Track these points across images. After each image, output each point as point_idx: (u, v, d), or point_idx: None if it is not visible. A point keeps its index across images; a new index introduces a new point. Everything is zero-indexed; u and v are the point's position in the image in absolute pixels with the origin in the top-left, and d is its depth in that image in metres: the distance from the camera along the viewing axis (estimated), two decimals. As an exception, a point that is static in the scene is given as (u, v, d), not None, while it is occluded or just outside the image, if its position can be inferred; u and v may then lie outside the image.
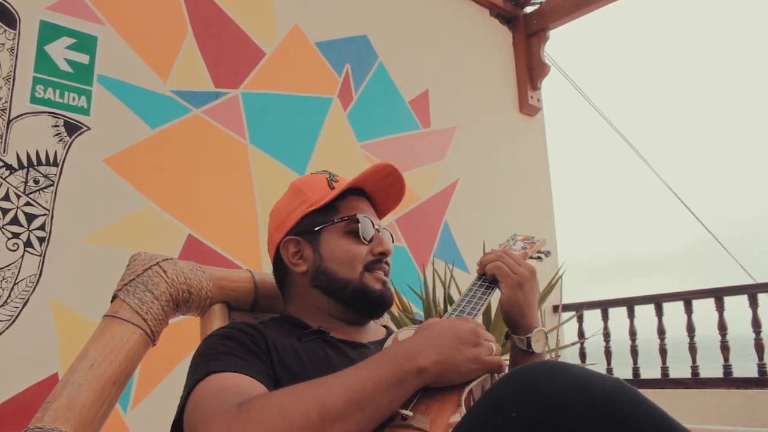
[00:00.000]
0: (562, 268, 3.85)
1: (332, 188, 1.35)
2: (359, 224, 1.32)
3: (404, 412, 0.96)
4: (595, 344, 4.93)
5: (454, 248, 4.26)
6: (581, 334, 4.98)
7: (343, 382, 0.95)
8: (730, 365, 4.32)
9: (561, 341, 4.17)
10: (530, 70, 5.06)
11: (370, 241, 1.33)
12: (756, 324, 4.26)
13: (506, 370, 1.05)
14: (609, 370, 4.91)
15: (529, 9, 5.08)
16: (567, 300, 5.03)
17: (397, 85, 4.19)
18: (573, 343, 4.60)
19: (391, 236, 1.44)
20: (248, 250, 3.23)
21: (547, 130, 5.38)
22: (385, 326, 1.53)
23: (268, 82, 3.46)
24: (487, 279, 1.34)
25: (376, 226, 1.36)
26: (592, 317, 4.99)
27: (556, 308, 4.91)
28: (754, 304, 4.27)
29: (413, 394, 0.99)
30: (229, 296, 1.42)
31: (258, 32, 3.47)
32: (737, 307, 4.38)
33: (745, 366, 4.30)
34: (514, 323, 1.29)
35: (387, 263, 1.36)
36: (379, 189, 1.40)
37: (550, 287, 3.55)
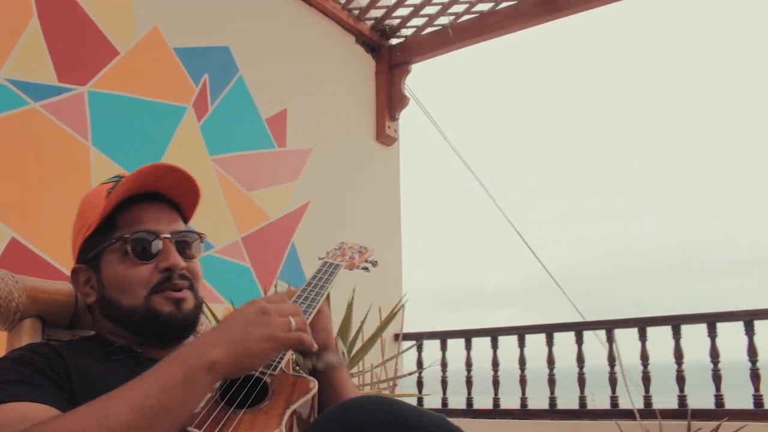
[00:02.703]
0: (405, 296, 3.90)
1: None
2: (130, 245, 1.19)
3: None
4: (433, 373, 5.03)
5: (299, 271, 4.21)
6: (420, 364, 5.07)
7: (126, 392, 0.90)
8: (555, 397, 4.60)
9: (399, 370, 4.21)
10: (390, 100, 5.14)
11: (153, 258, 1.20)
12: (580, 359, 4.57)
13: (311, 346, 1.03)
14: (444, 399, 5.03)
15: (394, 41, 5.18)
16: (408, 329, 5.11)
17: (256, 102, 4.11)
18: (411, 373, 4.67)
19: (199, 237, 1.32)
20: (80, 259, 3.02)
21: (402, 160, 5.48)
22: None
23: (119, 83, 3.28)
24: (330, 267, 1.31)
25: (165, 236, 1.22)
26: (432, 347, 5.11)
27: (396, 337, 4.98)
28: (579, 340, 4.57)
29: (232, 418, 0.96)
30: (43, 310, 1.29)
31: (113, 29, 3.29)
32: (565, 342, 4.66)
33: (569, 398, 4.56)
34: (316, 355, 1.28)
35: (184, 276, 1.22)
36: (170, 186, 1.26)
37: (392, 315, 3.59)
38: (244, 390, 1.04)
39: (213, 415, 0.97)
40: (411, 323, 5.13)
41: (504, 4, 4.70)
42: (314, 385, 1.10)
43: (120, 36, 3.32)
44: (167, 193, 1.27)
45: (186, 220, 1.32)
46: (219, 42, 3.90)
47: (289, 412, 0.98)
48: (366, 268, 1.53)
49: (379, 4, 4.79)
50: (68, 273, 2.87)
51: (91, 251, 1.22)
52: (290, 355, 1.17)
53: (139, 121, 3.36)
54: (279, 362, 1.11)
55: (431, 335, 5.15)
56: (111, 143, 3.19)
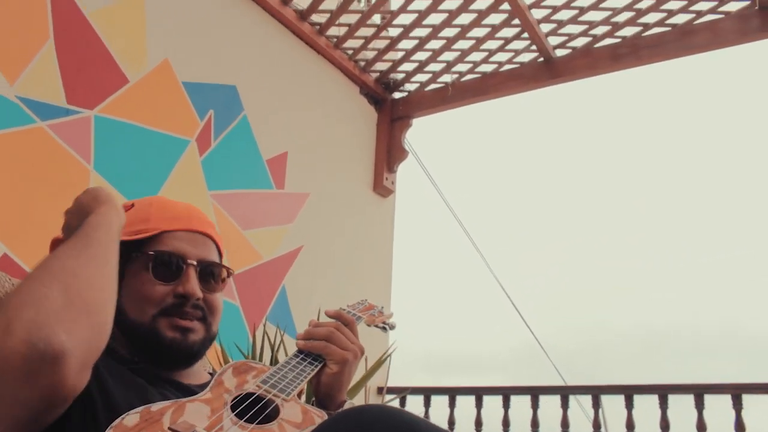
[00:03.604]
0: (392, 347, 3.87)
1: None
2: (153, 262, 1.21)
3: None
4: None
5: (288, 314, 4.17)
6: (401, 419, 4.98)
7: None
8: (537, 461, 4.52)
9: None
10: (389, 152, 5.19)
11: (173, 281, 1.21)
12: (564, 423, 4.52)
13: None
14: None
15: (397, 95, 5.26)
16: (392, 383, 5.04)
17: (258, 142, 4.14)
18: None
19: (227, 271, 1.32)
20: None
21: (397, 213, 5.50)
22: (210, 373, 1.44)
23: (126, 111, 3.30)
24: (311, 353, 1.26)
25: (190, 262, 1.23)
26: (415, 404, 5.05)
27: (380, 390, 4.90)
28: (565, 404, 4.54)
29: (240, 430, 0.96)
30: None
31: (125, 58, 3.32)
32: (551, 408, 4.62)
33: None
34: (330, 399, 1.24)
35: (198, 307, 1.22)
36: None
37: (379, 363, 3.55)
38: (255, 408, 1.04)
39: (222, 423, 0.96)
40: (394, 382, 5.08)
41: (507, 67, 4.80)
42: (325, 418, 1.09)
43: (132, 65, 3.36)
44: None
45: (220, 255, 1.34)
46: (227, 81, 3.95)
47: None
48: (384, 328, 1.57)
49: (384, 58, 4.89)
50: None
51: (120, 255, 1.22)
52: (302, 386, 1.17)
53: (142, 150, 3.37)
54: (293, 389, 1.12)
55: (415, 390, 5.09)
56: (112, 169, 3.19)
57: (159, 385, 1.15)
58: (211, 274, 1.27)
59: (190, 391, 1.17)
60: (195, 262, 1.23)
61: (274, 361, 3.21)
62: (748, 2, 3.96)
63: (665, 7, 4.09)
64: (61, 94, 3.01)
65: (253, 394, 1.07)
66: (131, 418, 0.91)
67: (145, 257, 1.21)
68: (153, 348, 1.18)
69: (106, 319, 0.98)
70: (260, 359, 3.25)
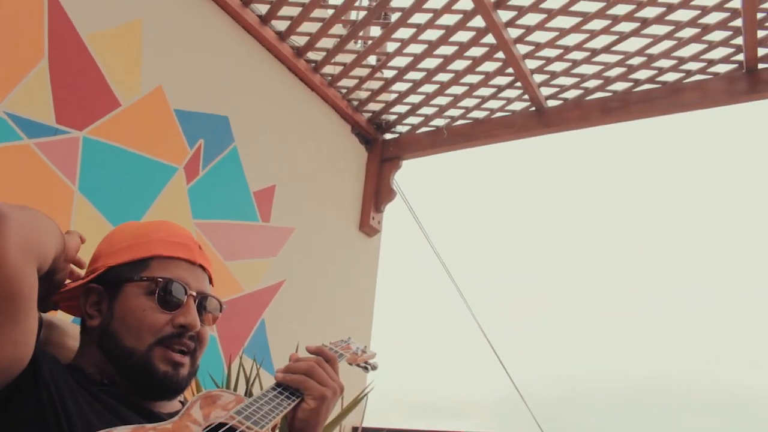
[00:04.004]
0: (369, 386, 3.82)
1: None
2: (159, 288, 1.20)
3: None
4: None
5: (266, 348, 4.13)
6: (375, 462, 4.90)
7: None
8: None
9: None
10: (377, 192, 5.20)
11: (174, 310, 1.21)
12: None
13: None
14: (394, 504, 4.83)
15: (388, 136, 5.29)
16: (368, 423, 4.97)
17: (246, 174, 4.14)
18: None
19: (220, 306, 1.33)
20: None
21: (382, 254, 5.48)
22: (181, 401, 1.42)
23: (116, 134, 3.30)
24: (288, 387, 1.25)
25: (191, 293, 1.24)
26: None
27: (355, 429, 4.83)
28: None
29: None
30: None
31: (119, 82, 3.34)
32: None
33: None
34: None
35: (193, 338, 1.23)
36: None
37: (355, 403, 3.50)
38: None
39: None
40: (370, 423, 5.00)
41: (498, 114, 4.86)
42: None
43: (125, 89, 3.37)
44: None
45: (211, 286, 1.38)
46: (219, 111, 3.96)
47: None
48: (366, 368, 1.59)
49: (378, 99, 4.93)
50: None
51: (115, 278, 1.21)
52: (277, 420, 1.15)
53: (128, 174, 3.36)
54: (267, 423, 1.10)
55: (391, 433, 5.00)
56: (97, 191, 3.18)
57: (125, 410, 1.13)
58: (206, 307, 1.29)
59: (157, 418, 1.15)
60: (195, 293, 1.24)
61: (248, 394, 3.17)
62: (735, 65, 4.04)
63: (656, 64, 4.16)
64: (51, 114, 3.01)
65: (226, 424, 1.06)
66: None
67: (151, 283, 1.20)
68: (143, 378, 1.17)
69: (43, 236, 1.04)
70: (234, 391, 3.20)
